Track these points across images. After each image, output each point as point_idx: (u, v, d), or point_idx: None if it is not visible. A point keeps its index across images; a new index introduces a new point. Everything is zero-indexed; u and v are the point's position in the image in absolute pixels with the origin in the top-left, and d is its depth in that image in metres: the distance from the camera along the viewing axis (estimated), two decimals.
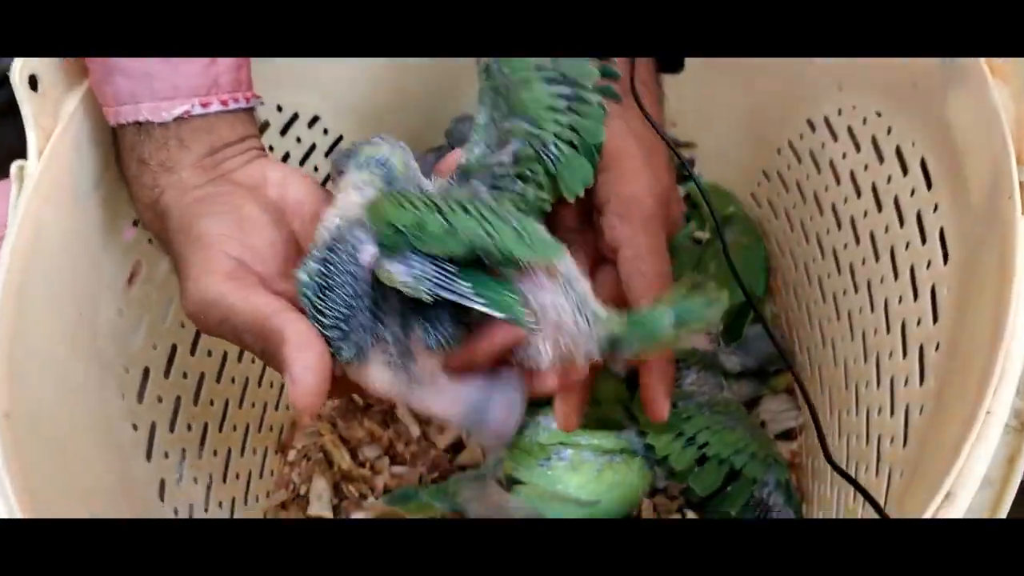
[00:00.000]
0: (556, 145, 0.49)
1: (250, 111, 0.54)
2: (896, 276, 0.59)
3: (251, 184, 0.51)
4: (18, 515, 0.39)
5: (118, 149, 0.52)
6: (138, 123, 0.50)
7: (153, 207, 0.50)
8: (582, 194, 0.50)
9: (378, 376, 0.43)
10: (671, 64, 0.61)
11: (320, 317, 0.42)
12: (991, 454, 0.37)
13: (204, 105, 0.50)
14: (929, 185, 0.55)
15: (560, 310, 0.43)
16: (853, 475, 0.60)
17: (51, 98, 0.52)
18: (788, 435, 0.79)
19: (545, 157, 0.49)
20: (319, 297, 0.42)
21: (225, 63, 0.51)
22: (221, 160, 0.51)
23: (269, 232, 0.48)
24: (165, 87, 0.49)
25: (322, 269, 0.42)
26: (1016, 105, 0.46)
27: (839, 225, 0.70)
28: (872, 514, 0.46)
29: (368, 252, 0.42)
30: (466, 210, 0.42)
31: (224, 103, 0.51)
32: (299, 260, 0.44)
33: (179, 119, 0.50)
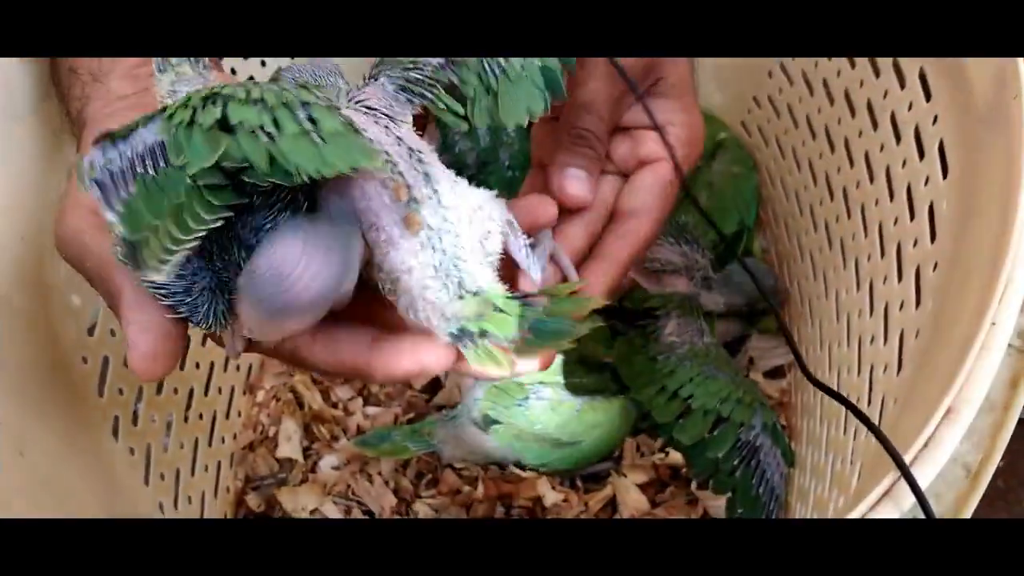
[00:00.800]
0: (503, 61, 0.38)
1: None
2: (892, 197, 0.56)
3: None
4: None
5: (53, 61, 0.48)
6: None
7: (77, 120, 0.46)
8: (524, 123, 0.39)
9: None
10: None
11: (163, 290, 0.34)
12: (995, 367, 0.34)
13: None
14: (928, 96, 0.52)
15: (413, 274, 0.33)
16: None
17: None
18: (777, 372, 0.77)
19: (487, 70, 0.38)
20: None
21: None
22: None
23: None
24: None
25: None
26: None
27: (832, 148, 0.66)
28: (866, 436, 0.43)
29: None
30: (256, 100, 0.32)
31: None
32: None
33: None
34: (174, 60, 0.39)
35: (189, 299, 0.33)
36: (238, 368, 0.74)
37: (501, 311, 0.33)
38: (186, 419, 0.65)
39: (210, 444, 0.69)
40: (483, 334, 0.33)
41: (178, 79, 0.39)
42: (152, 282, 0.33)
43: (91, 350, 0.54)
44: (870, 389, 0.54)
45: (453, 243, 0.34)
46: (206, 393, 0.68)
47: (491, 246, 0.36)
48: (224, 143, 0.30)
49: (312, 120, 0.31)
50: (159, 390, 0.61)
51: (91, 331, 0.55)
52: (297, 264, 0.29)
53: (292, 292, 0.29)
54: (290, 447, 0.72)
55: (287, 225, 0.32)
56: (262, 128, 0.30)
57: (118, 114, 0.43)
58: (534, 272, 0.38)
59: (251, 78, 0.62)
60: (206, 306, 0.34)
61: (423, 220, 0.33)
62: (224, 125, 0.30)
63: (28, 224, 0.50)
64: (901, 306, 0.52)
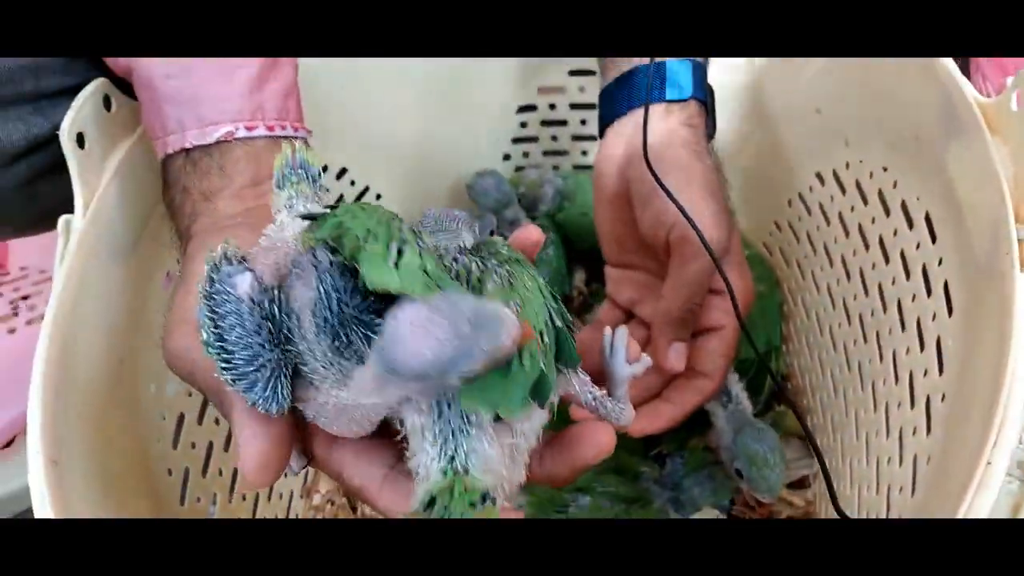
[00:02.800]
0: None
1: (301, 144, 0.52)
2: (903, 327, 0.61)
3: None
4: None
5: (165, 183, 0.52)
6: (185, 151, 0.50)
7: (185, 235, 0.49)
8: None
9: (314, 412, 0.36)
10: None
11: (226, 373, 0.36)
12: (990, 505, 0.38)
13: (249, 128, 0.50)
14: (934, 239, 0.57)
15: (417, 421, 0.34)
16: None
17: (96, 155, 0.54)
18: (801, 484, 0.80)
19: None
20: (223, 353, 0.36)
21: (271, 90, 0.51)
22: (266, 192, 0.49)
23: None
24: (210, 112, 0.50)
25: (207, 325, 0.36)
26: (1015, 165, 0.47)
27: (848, 276, 0.71)
28: None
29: (244, 282, 0.36)
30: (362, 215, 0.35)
31: (270, 128, 0.51)
32: None
33: (223, 145, 0.50)
34: (294, 178, 0.42)
35: (251, 372, 0.36)
36: (296, 473, 0.79)
37: (466, 500, 0.33)
38: None
39: None
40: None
41: (296, 196, 0.42)
42: (219, 350, 0.36)
43: (175, 462, 0.60)
44: (888, 508, 0.58)
45: (460, 415, 0.34)
46: (268, 499, 0.73)
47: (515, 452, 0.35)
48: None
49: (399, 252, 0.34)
50: (230, 498, 0.66)
51: (175, 444, 0.61)
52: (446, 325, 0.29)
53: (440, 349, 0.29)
54: None
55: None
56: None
57: (225, 231, 0.47)
58: (623, 420, 0.41)
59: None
60: (269, 383, 0.36)
61: None
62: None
63: (124, 349, 0.56)
64: (914, 431, 0.56)
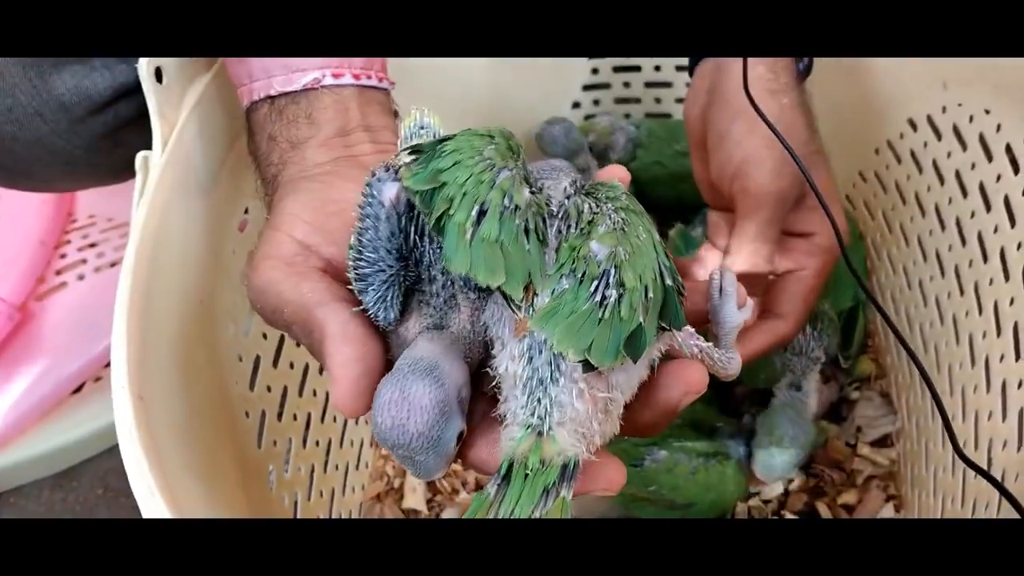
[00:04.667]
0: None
1: (385, 96, 0.52)
2: (1007, 277, 0.58)
3: None
4: (156, 493, 0.40)
5: (250, 131, 0.51)
6: (270, 98, 0.49)
7: (272, 183, 0.49)
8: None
9: (410, 336, 0.37)
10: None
11: (354, 272, 0.37)
12: None
13: (336, 76, 0.49)
14: None
15: (506, 379, 0.34)
16: (963, 481, 0.59)
17: (175, 91, 0.53)
18: (884, 441, 0.78)
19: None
20: (355, 252, 0.37)
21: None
22: (354, 143, 0.49)
23: None
24: (298, 61, 0.49)
25: (357, 222, 0.38)
26: None
27: (943, 226, 0.68)
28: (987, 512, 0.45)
29: (391, 190, 0.37)
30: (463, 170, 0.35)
31: (356, 77, 0.50)
32: None
33: (311, 93, 0.49)
34: (419, 138, 0.43)
35: (370, 275, 0.37)
36: (367, 421, 0.79)
37: (540, 470, 0.32)
38: (324, 469, 0.70)
39: (343, 493, 0.73)
40: (525, 476, 0.33)
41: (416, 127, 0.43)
42: (353, 249, 0.37)
43: (252, 404, 0.59)
44: (988, 465, 0.55)
45: (549, 363, 0.33)
46: (340, 445, 0.73)
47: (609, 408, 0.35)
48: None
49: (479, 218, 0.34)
50: (304, 443, 0.66)
51: (252, 386, 0.60)
52: (396, 412, 0.33)
53: (402, 437, 0.33)
54: (415, 499, 0.76)
55: (389, 378, 0.34)
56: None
57: (314, 176, 0.46)
58: (731, 369, 0.39)
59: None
60: (381, 290, 0.37)
61: (530, 331, 0.33)
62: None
63: (206, 288, 0.55)
64: (1020, 385, 0.54)
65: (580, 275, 0.34)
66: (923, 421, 0.71)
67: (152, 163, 0.51)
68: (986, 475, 0.39)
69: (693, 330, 0.37)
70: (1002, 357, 0.57)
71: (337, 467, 0.72)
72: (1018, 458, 0.51)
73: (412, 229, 0.37)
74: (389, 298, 0.37)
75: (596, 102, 0.96)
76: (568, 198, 0.37)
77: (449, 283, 0.37)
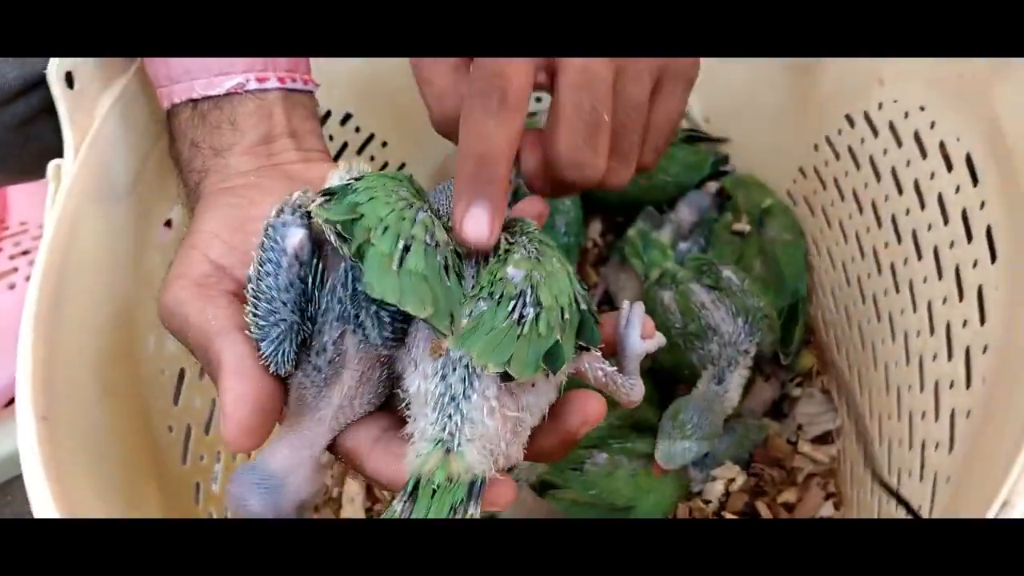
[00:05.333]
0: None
1: (310, 99, 0.51)
2: (940, 276, 0.58)
3: (304, 181, 0.45)
4: (56, 517, 0.38)
5: (172, 135, 0.49)
6: (192, 102, 0.48)
7: (194, 192, 0.47)
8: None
9: (293, 395, 0.38)
10: None
11: (251, 317, 0.37)
12: None
13: (261, 80, 0.47)
14: (975, 181, 0.54)
15: (416, 398, 0.35)
16: (896, 482, 0.59)
17: (88, 96, 0.51)
18: (825, 438, 0.78)
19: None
20: (253, 298, 0.37)
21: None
22: (279, 151, 0.47)
23: None
24: (220, 63, 0.47)
25: (255, 261, 0.37)
26: None
27: (879, 223, 0.68)
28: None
29: (294, 237, 0.37)
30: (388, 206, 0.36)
31: (281, 80, 0.48)
32: None
33: (235, 97, 0.47)
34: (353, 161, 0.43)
35: (266, 326, 0.37)
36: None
37: (447, 487, 0.33)
38: None
39: None
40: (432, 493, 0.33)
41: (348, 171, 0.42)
42: (251, 292, 0.37)
43: (176, 419, 0.58)
44: (922, 465, 0.55)
45: (463, 380, 0.34)
46: None
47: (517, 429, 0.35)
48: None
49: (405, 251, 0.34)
50: (234, 456, 0.64)
51: (176, 400, 0.58)
52: (237, 509, 0.37)
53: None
54: (352, 508, 0.75)
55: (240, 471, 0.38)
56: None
57: (236, 189, 0.45)
58: (633, 395, 0.40)
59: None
60: (275, 342, 0.37)
61: (447, 350, 0.34)
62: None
63: (121, 299, 0.53)
64: (951, 385, 0.53)
65: (498, 296, 0.34)
66: (862, 422, 0.71)
67: (64, 171, 0.49)
68: (887, 488, 0.39)
69: (600, 355, 0.38)
70: (935, 356, 0.57)
71: None
72: (950, 460, 0.51)
73: (312, 280, 0.37)
74: (284, 351, 0.37)
75: (539, 99, 0.95)
76: None
77: (340, 337, 0.37)
